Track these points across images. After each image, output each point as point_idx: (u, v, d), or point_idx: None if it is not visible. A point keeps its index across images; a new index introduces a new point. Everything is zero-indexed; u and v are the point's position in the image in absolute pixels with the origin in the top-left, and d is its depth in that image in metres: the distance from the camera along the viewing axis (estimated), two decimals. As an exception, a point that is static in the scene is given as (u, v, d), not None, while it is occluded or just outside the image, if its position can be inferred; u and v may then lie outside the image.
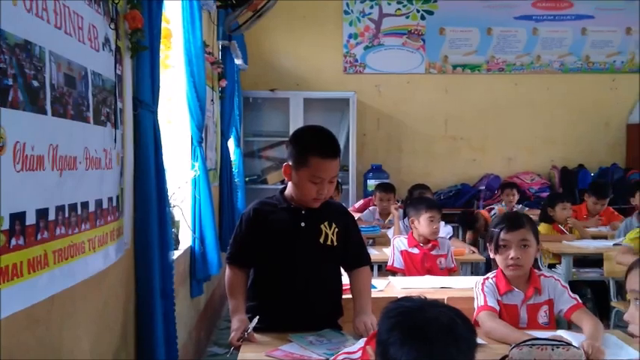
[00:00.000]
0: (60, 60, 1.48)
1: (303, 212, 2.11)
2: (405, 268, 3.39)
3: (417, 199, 3.90)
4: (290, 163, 2.07)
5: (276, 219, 2.12)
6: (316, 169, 2.01)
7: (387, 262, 3.90)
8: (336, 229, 2.14)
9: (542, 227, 4.62)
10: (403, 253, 3.42)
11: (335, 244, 2.13)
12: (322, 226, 2.13)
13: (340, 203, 2.40)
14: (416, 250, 3.40)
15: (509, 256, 2.18)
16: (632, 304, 1.27)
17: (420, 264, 3.36)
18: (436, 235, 3.39)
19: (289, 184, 2.14)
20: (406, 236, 3.51)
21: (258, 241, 2.12)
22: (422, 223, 3.41)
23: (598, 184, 5.80)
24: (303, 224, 2.11)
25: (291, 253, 2.09)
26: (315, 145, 2.03)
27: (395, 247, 3.46)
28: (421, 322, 1.04)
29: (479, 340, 1.50)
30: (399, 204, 4.51)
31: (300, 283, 2.09)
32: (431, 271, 3.31)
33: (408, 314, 1.06)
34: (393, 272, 3.45)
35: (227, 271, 2.19)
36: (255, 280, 2.18)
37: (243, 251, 2.16)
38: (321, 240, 2.11)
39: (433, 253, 3.40)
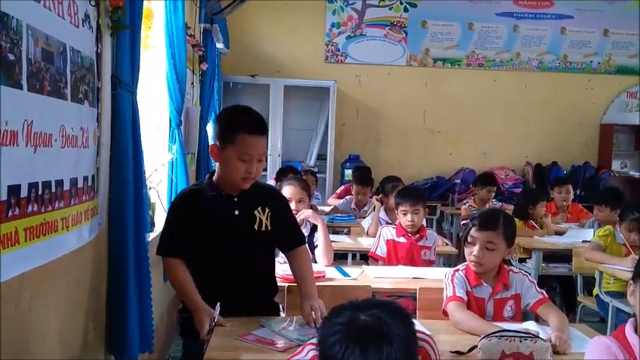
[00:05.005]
0: (38, 34, 1.45)
1: (235, 199, 2.09)
2: (386, 258, 3.42)
3: (400, 190, 3.88)
4: (217, 143, 2.05)
5: (208, 207, 2.07)
6: (244, 146, 1.99)
7: (361, 251, 3.92)
8: (270, 213, 2.14)
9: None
10: (389, 242, 3.43)
11: (269, 228, 2.13)
12: (256, 212, 2.12)
13: (269, 185, 2.38)
14: (403, 240, 3.41)
15: (472, 253, 2.23)
16: None
17: (406, 254, 3.38)
18: (411, 228, 3.40)
19: (217, 167, 2.11)
20: (394, 226, 3.53)
21: (191, 231, 2.06)
22: (399, 215, 3.45)
23: (559, 178, 6.12)
24: (237, 212, 2.09)
25: (227, 242, 2.07)
26: (242, 122, 2.03)
27: (381, 236, 3.47)
28: (355, 333, 1.13)
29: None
30: (381, 196, 4.46)
31: (236, 270, 2.09)
32: (414, 262, 3.34)
33: (343, 330, 1.13)
34: (375, 259, 3.48)
35: (166, 265, 2.12)
36: (191, 271, 2.12)
37: (177, 241, 2.09)
38: (256, 227, 2.11)
39: (420, 243, 3.42)
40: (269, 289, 2.25)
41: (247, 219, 2.10)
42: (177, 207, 2.14)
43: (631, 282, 1.48)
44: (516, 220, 4.68)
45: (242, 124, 2.02)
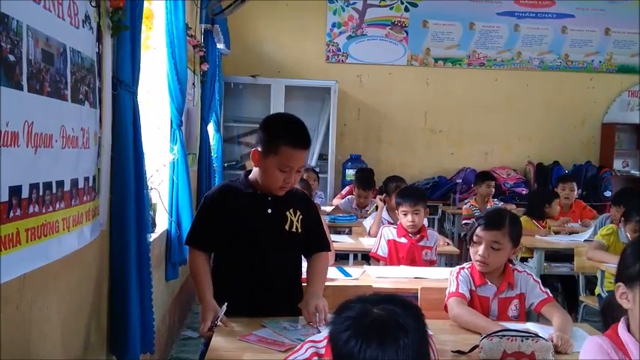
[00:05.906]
0: (38, 35, 1.45)
1: (269, 199, 2.12)
2: (388, 258, 3.42)
3: (400, 190, 3.87)
4: (259, 149, 2.06)
5: (242, 204, 2.11)
6: (286, 158, 2.01)
7: (362, 251, 3.92)
8: (301, 216, 2.16)
9: (524, 220, 4.64)
10: (390, 242, 3.43)
11: (299, 230, 2.15)
12: (287, 212, 2.14)
13: (302, 190, 2.40)
14: (404, 240, 3.41)
15: (478, 253, 2.23)
16: None
17: (407, 254, 3.38)
18: (412, 228, 3.40)
19: (255, 169, 2.14)
20: (395, 226, 3.53)
21: (222, 225, 2.10)
22: (399, 215, 3.45)
23: (563, 175, 6.11)
24: (269, 211, 2.11)
25: (257, 239, 2.09)
26: (286, 134, 2.03)
27: (383, 236, 3.48)
28: (369, 326, 1.12)
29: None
30: (384, 196, 4.44)
31: (264, 269, 2.10)
32: (415, 262, 3.34)
33: (356, 324, 1.13)
34: (376, 259, 3.47)
35: (190, 255, 2.16)
36: (217, 266, 2.16)
37: (206, 233, 2.13)
38: (287, 227, 2.13)
39: (421, 243, 3.42)
40: (293, 292, 2.22)
41: (279, 218, 2.13)
42: (211, 201, 2.16)
43: (620, 284, 1.44)
44: (526, 218, 4.72)
45: (287, 136, 2.03)
